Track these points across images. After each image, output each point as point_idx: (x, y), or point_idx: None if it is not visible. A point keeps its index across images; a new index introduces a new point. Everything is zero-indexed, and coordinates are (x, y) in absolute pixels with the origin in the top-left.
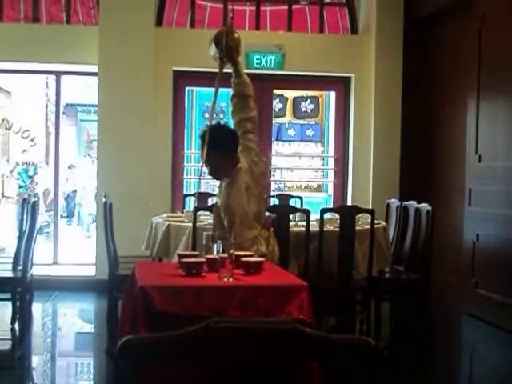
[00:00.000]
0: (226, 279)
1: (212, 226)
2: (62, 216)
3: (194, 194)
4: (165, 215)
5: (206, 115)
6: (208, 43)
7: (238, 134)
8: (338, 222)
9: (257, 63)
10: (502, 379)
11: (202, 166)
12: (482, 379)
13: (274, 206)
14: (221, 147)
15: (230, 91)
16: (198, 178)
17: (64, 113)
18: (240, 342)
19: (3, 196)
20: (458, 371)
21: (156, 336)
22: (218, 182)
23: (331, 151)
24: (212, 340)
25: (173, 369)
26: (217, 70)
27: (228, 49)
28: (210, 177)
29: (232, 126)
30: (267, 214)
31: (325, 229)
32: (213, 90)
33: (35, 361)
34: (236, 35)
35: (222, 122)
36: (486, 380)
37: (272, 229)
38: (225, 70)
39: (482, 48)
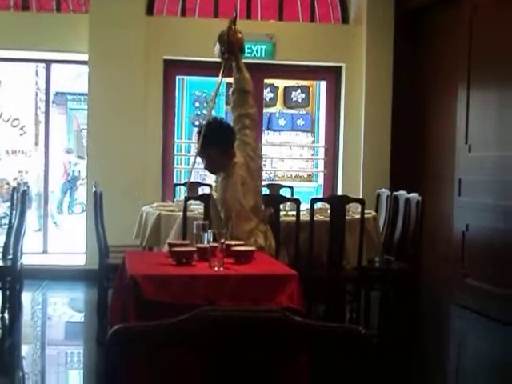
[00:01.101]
0: (216, 268)
1: (202, 216)
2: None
3: (184, 184)
4: (155, 204)
5: (197, 104)
6: (213, 44)
7: (235, 129)
8: (329, 211)
9: (248, 52)
10: (491, 368)
11: (195, 157)
12: (471, 368)
13: (265, 195)
14: (218, 142)
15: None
16: (190, 168)
17: (54, 101)
18: (230, 330)
19: None
20: (446, 360)
21: (146, 325)
22: (210, 174)
23: (322, 141)
24: (202, 329)
25: (163, 358)
26: (208, 59)
27: (230, 43)
28: (206, 170)
29: (230, 121)
30: (264, 208)
31: (315, 218)
32: (204, 79)
33: (25, 350)
34: (239, 35)
35: (219, 118)
36: (475, 369)
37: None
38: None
39: (472, 38)
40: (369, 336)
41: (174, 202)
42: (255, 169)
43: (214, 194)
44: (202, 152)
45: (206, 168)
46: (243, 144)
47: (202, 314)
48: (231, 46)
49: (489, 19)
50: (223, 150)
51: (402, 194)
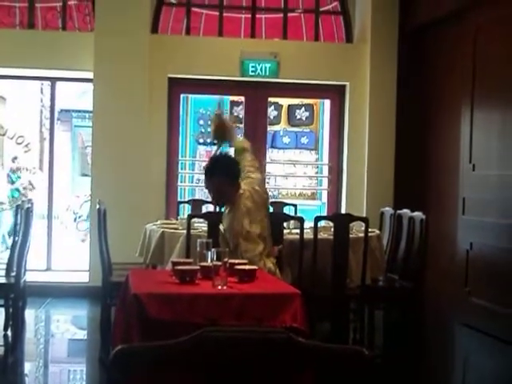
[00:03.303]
0: (219, 287)
1: (206, 234)
2: None
3: (188, 202)
4: (159, 222)
5: (202, 122)
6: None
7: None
8: (332, 229)
9: (252, 71)
10: None
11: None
12: None
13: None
14: (224, 172)
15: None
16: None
17: (59, 119)
18: (234, 351)
19: None
20: (451, 380)
21: (149, 345)
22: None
23: (325, 159)
24: (206, 349)
25: (166, 378)
26: (212, 78)
27: (218, 130)
28: (215, 203)
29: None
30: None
31: (319, 237)
32: (209, 97)
33: (27, 367)
34: (227, 134)
35: (223, 152)
36: None
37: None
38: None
39: (476, 57)
40: (372, 357)
41: (177, 219)
42: (261, 202)
43: (221, 228)
44: (210, 184)
45: (214, 199)
46: (248, 180)
47: (206, 335)
48: (220, 131)
49: (492, 38)
50: (229, 179)
51: (406, 212)
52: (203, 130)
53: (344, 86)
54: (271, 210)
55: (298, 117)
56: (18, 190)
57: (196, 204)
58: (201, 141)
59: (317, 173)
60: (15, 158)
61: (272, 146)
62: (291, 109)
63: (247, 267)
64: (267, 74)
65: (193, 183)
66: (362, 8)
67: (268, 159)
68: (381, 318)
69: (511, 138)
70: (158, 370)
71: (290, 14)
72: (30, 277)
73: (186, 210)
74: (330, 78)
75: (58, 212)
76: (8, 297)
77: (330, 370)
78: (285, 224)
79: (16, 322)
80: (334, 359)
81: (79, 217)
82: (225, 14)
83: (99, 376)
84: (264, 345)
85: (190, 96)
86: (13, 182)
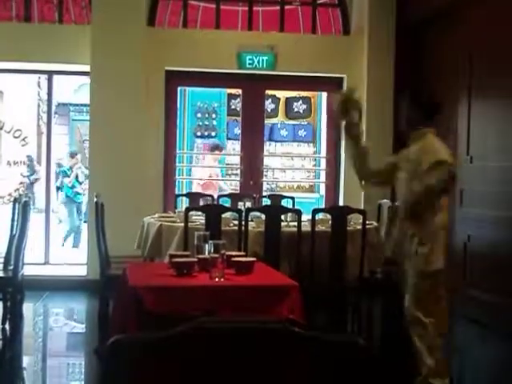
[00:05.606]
0: (217, 279)
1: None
2: None
3: (186, 195)
4: (157, 215)
5: (199, 115)
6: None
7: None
8: (330, 222)
9: (249, 63)
10: (493, 379)
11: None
12: (472, 379)
13: (266, 206)
14: (414, 96)
15: None
16: None
17: (56, 112)
18: (229, 341)
19: None
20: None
21: (145, 335)
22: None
23: (323, 152)
24: (201, 339)
25: (162, 368)
26: (209, 70)
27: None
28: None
29: None
30: None
31: (316, 229)
32: (206, 89)
33: (26, 361)
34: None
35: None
36: (477, 380)
37: None
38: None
39: (474, 50)
40: (368, 346)
41: (175, 212)
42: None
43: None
44: (411, 105)
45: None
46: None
47: (200, 325)
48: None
49: (489, 32)
50: (417, 106)
51: None
52: (200, 123)
53: (341, 79)
54: (269, 202)
55: (296, 109)
56: (73, 186)
57: (193, 197)
58: (198, 134)
59: (314, 165)
60: (74, 152)
61: (269, 139)
62: (289, 101)
63: (244, 259)
64: (264, 66)
65: (190, 176)
66: (359, 0)
67: (265, 152)
68: (378, 310)
69: (509, 130)
70: (153, 359)
71: (286, 7)
72: (27, 270)
73: (183, 203)
74: (328, 71)
75: (55, 205)
76: (6, 290)
77: (326, 359)
78: (282, 217)
79: (14, 315)
80: (330, 348)
81: None
82: (222, 7)
83: (97, 368)
84: (259, 335)
85: (187, 89)
86: (68, 176)
